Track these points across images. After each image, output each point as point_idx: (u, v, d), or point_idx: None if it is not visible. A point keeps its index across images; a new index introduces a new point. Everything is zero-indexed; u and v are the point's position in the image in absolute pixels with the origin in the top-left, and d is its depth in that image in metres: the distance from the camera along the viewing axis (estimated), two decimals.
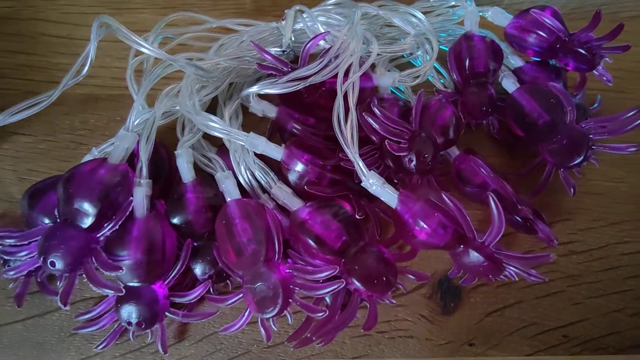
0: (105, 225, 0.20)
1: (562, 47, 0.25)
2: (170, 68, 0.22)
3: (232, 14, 0.31)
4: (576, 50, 0.24)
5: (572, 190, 0.23)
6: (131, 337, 0.22)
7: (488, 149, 0.27)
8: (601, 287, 0.24)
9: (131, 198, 0.21)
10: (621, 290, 0.24)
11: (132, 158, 0.22)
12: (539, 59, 0.27)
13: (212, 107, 0.27)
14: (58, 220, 0.20)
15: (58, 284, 0.22)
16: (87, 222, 0.20)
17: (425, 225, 0.19)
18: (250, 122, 0.26)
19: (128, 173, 0.21)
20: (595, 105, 0.28)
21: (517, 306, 0.23)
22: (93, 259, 0.20)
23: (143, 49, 0.20)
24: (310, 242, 0.19)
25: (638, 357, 0.22)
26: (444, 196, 0.18)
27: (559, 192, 0.25)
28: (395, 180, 0.23)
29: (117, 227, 0.20)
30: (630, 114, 0.21)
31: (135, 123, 0.23)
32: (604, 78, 0.26)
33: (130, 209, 0.21)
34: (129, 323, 0.21)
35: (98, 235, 0.20)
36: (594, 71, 0.25)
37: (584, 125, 0.23)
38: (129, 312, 0.20)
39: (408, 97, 0.28)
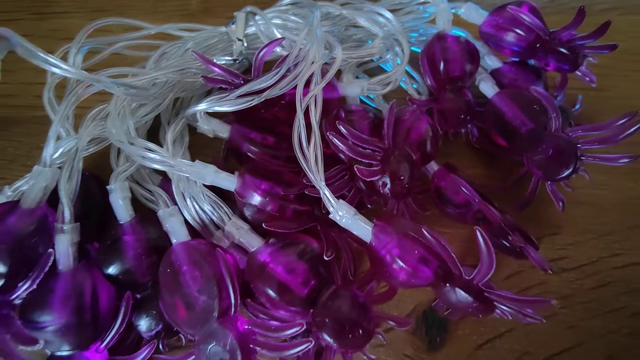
0: (20, 285, 0.16)
1: (543, 47, 0.23)
2: (95, 87, 0.19)
3: (176, 16, 0.27)
4: (558, 50, 0.22)
5: (560, 204, 0.21)
6: None
7: (468, 159, 0.25)
8: (595, 307, 0.22)
9: (51, 250, 0.17)
10: (615, 309, 0.22)
11: (57, 197, 0.19)
12: (517, 59, 0.25)
13: (155, 128, 0.23)
14: None
15: None
16: None
17: (403, 265, 0.16)
18: (201, 141, 0.23)
19: (47, 218, 0.18)
20: (577, 106, 0.26)
21: (508, 335, 0.21)
22: (5, 329, 0.16)
23: (53, 69, 0.16)
24: (273, 291, 0.16)
25: None
26: (424, 232, 0.16)
27: (544, 203, 0.23)
28: (369, 205, 0.20)
29: (35, 286, 0.17)
30: (622, 121, 0.19)
31: (57, 154, 0.19)
32: (587, 79, 0.24)
33: (52, 262, 0.17)
34: None
35: (11, 298, 0.16)
36: (577, 71, 0.23)
37: (570, 134, 0.21)
38: None
39: (379, 105, 0.25)
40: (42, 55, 0.16)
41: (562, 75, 0.25)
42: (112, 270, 0.18)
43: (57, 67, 0.16)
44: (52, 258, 0.17)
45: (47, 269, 0.17)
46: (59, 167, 0.19)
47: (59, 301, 0.17)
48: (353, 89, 0.22)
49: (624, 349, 0.21)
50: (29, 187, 0.18)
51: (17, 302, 0.17)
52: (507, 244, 0.19)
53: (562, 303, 0.22)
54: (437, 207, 0.22)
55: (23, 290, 0.16)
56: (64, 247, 0.17)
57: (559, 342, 0.21)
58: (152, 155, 0.18)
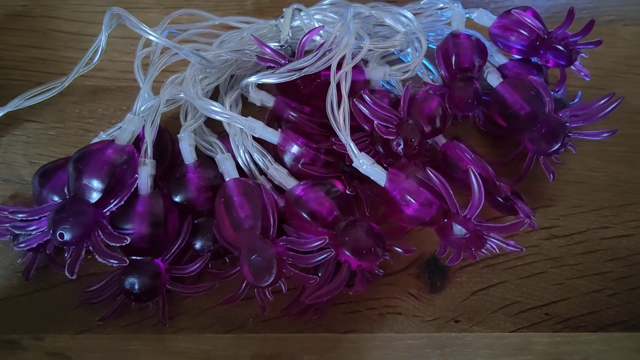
0: (112, 200, 0.21)
1: (542, 45, 0.27)
2: (176, 57, 0.24)
3: (233, 13, 0.33)
4: (554, 47, 0.26)
5: (551, 176, 0.25)
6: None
7: (474, 140, 0.29)
8: (582, 269, 0.25)
9: (136, 176, 0.22)
10: (601, 272, 0.25)
11: (138, 142, 0.24)
12: (521, 57, 0.29)
13: (214, 98, 0.28)
14: (67, 197, 0.21)
15: (66, 256, 0.23)
16: (95, 197, 0.21)
17: (412, 201, 0.20)
18: (249, 113, 0.28)
19: (134, 154, 0.23)
20: (576, 100, 0.29)
21: (501, 286, 0.24)
22: (100, 231, 0.21)
23: (151, 37, 0.22)
24: (305, 215, 0.21)
25: (615, 335, 0.23)
26: (429, 171, 0.20)
27: (540, 180, 0.27)
28: (385, 165, 0.24)
29: (122, 202, 0.21)
30: (603, 101, 0.22)
31: (142, 109, 0.24)
32: (582, 73, 0.27)
33: (135, 186, 0.22)
34: (131, 295, 0.22)
35: (105, 210, 0.21)
36: (572, 67, 0.27)
37: (561, 115, 0.24)
38: (132, 284, 0.22)
39: (399, 92, 0.30)
40: (144, 27, 0.22)
41: (560, 71, 0.28)
42: (178, 198, 0.23)
43: (153, 36, 0.22)
44: (136, 183, 0.22)
45: (132, 190, 0.22)
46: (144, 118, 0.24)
47: (138, 216, 0.22)
48: (377, 72, 0.27)
49: (606, 307, 0.24)
50: (122, 130, 0.23)
51: (108, 214, 0.22)
52: (500, 200, 0.23)
53: (552, 264, 0.25)
54: (444, 174, 0.26)
55: (114, 204, 0.21)
56: (144, 176, 0.22)
57: (547, 296, 0.24)
58: (216, 109, 0.23)
